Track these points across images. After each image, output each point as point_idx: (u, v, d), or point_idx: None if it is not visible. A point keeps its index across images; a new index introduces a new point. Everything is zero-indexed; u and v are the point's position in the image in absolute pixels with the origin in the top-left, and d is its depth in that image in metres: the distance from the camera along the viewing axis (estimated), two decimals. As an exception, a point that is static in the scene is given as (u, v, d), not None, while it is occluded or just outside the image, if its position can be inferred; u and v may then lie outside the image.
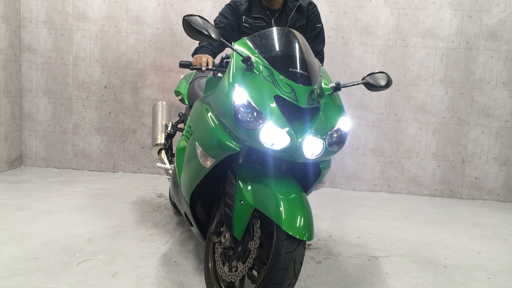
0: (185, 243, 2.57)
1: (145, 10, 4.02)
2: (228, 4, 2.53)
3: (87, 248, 2.41)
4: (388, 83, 2.00)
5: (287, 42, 1.88)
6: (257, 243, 1.69)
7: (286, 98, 1.71)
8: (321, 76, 1.89)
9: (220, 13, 2.52)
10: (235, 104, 1.67)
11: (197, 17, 1.78)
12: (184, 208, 2.15)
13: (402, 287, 2.16)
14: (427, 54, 3.85)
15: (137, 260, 2.29)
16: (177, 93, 3.22)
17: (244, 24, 2.43)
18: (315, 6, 2.55)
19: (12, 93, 4.05)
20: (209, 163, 1.81)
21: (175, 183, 2.29)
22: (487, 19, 3.78)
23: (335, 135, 1.77)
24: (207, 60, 1.97)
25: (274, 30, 1.93)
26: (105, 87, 4.13)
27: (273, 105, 1.69)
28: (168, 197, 3.36)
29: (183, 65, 1.99)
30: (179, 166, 2.27)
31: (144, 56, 4.06)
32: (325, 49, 4.12)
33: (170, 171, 2.84)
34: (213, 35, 1.77)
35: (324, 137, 1.73)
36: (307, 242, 2.35)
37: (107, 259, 2.28)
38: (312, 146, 1.71)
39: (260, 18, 2.42)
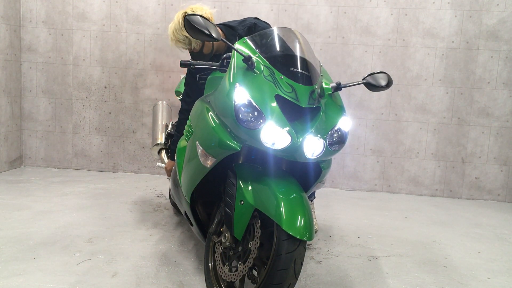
0: (185, 243, 2.57)
1: (145, 10, 4.01)
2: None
3: (87, 248, 2.41)
4: (389, 83, 2.00)
5: (288, 41, 1.88)
6: (257, 243, 1.68)
7: (286, 97, 1.71)
8: (321, 76, 1.89)
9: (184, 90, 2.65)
10: (236, 103, 1.67)
11: (198, 16, 1.78)
12: (185, 207, 2.15)
13: (402, 287, 2.16)
14: (427, 54, 3.85)
15: (137, 260, 2.29)
16: (177, 93, 3.22)
17: (201, 82, 2.37)
18: (259, 25, 2.50)
19: (12, 93, 4.05)
20: (209, 162, 1.81)
21: (176, 183, 2.29)
22: (487, 19, 3.78)
23: (335, 135, 1.77)
24: None
25: (275, 30, 1.93)
26: (105, 87, 4.13)
27: (274, 104, 1.69)
28: (168, 197, 3.35)
29: (184, 64, 1.99)
30: (179, 165, 2.27)
31: (144, 56, 4.06)
32: (325, 49, 4.14)
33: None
34: (214, 35, 1.77)
35: (325, 136, 1.73)
36: (307, 242, 2.35)
37: (107, 259, 2.28)
38: (312, 146, 1.71)
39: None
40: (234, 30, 2.48)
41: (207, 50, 2.45)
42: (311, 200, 2.86)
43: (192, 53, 2.50)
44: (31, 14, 4.09)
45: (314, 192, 2.84)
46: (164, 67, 4.06)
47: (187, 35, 2.38)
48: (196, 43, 2.42)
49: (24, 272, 2.09)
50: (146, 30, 4.03)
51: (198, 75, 2.14)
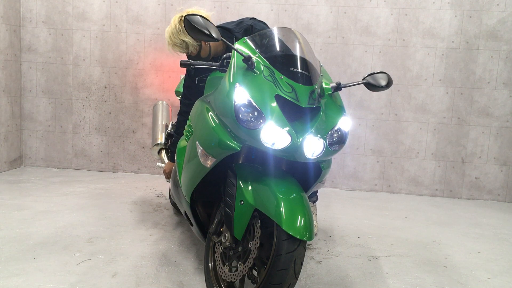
0: (185, 243, 2.57)
1: (145, 10, 4.01)
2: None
3: (87, 248, 2.41)
4: (389, 83, 2.00)
5: (287, 41, 1.88)
6: (257, 243, 1.68)
7: (286, 97, 1.71)
8: (321, 76, 1.89)
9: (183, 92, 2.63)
10: (235, 103, 1.67)
11: (198, 16, 1.78)
12: (184, 207, 2.15)
13: (402, 287, 2.16)
14: (427, 54, 3.85)
15: (137, 260, 2.29)
16: (178, 92, 3.23)
17: (200, 84, 2.36)
18: (255, 26, 2.46)
19: (12, 93, 4.05)
20: (209, 162, 1.81)
21: (176, 183, 2.29)
22: (487, 19, 3.78)
23: (335, 135, 1.77)
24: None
25: (275, 30, 1.93)
26: (105, 87, 4.13)
27: (274, 104, 1.69)
28: (168, 197, 3.35)
29: (184, 64, 1.99)
30: (179, 165, 2.27)
31: (144, 56, 4.06)
32: (325, 49, 4.14)
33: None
34: (214, 35, 1.77)
35: (325, 136, 1.73)
36: (307, 242, 2.35)
37: (107, 259, 2.28)
38: (312, 146, 1.71)
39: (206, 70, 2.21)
40: (230, 33, 2.47)
41: (204, 53, 2.44)
42: (314, 202, 2.85)
43: (189, 56, 2.49)
44: (31, 14, 4.09)
45: (317, 193, 2.84)
46: (164, 67, 4.06)
47: (184, 39, 2.37)
48: (193, 47, 2.41)
49: (24, 272, 2.09)
50: (146, 30, 4.03)
51: (197, 78, 2.12)
